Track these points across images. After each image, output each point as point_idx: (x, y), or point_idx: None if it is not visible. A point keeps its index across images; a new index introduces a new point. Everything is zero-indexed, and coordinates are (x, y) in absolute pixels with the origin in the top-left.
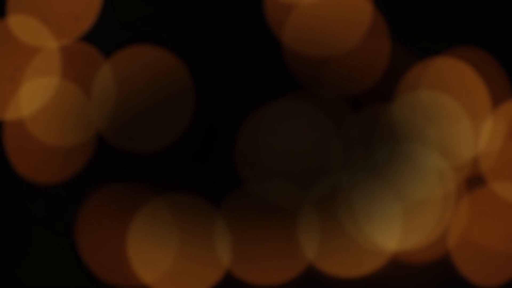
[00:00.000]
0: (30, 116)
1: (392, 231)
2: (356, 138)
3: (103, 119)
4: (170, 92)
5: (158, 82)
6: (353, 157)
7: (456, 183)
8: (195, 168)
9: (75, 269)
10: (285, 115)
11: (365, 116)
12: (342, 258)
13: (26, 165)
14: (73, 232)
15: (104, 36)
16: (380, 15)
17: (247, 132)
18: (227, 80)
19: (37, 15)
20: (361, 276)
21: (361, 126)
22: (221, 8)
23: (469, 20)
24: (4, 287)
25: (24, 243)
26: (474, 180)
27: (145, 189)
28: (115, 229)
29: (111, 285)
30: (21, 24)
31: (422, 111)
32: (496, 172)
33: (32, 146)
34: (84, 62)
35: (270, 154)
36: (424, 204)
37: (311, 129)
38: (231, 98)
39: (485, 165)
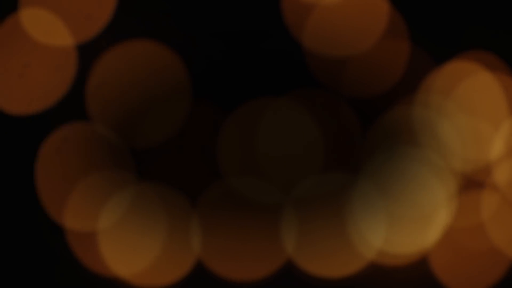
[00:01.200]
0: (42, 112)
1: (376, 234)
2: (357, 140)
3: (100, 112)
4: (167, 88)
5: (155, 78)
6: (351, 158)
7: (461, 187)
8: (178, 160)
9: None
10: (278, 113)
11: (371, 117)
12: (321, 258)
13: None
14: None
15: (117, 34)
16: (398, 16)
17: (235, 127)
18: (236, 78)
19: (50, 11)
20: (340, 277)
21: (364, 127)
22: (237, 7)
23: (485, 24)
24: None
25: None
26: (485, 185)
27: (122, 179)
28: (90, 217)
29: (94, 274)
30: (32, 20)
31: (435, 114)
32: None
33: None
34: (95, 59)
35: (255, 151)
36: (413, 208)
37: (302, 128)
38: (239, 95)
39: (498, 170)
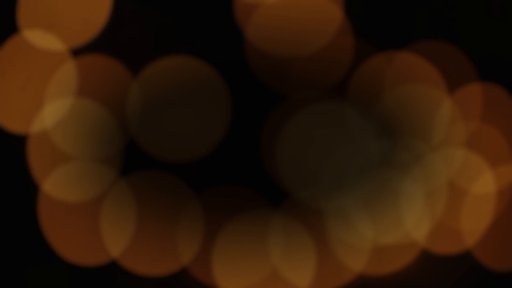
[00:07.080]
0: (49, 127)
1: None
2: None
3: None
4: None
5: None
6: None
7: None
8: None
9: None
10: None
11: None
12: (305, 268)
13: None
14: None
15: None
16: (344, 13)
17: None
18: None
19: (47, 23)
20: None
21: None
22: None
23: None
24: None
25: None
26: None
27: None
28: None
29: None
30: (33, 34)
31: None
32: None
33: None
34: (100, 72)
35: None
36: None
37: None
38: None
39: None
